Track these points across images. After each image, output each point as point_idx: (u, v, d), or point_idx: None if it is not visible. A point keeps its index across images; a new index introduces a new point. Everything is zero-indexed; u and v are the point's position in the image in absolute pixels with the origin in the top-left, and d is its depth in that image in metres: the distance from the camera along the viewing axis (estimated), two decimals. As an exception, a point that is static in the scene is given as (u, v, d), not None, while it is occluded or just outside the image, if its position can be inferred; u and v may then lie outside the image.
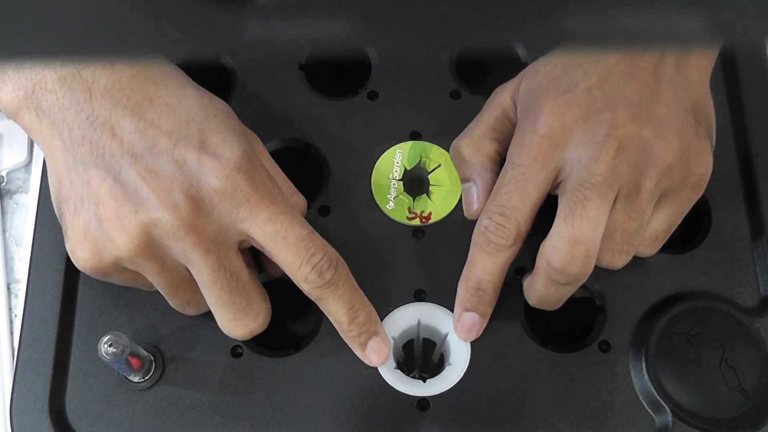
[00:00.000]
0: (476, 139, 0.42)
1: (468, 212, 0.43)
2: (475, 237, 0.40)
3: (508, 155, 0.39)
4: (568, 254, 0.36)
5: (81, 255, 0.37)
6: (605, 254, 0.38)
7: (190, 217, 0.35)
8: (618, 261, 0.38)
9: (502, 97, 0.42)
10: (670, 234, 0.40)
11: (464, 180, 0.43)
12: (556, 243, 0.36)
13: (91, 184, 0.36)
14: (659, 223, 0.39)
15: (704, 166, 0.39)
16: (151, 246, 0.36)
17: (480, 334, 0.40)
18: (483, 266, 0.39)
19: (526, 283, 0.41)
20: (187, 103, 0.38)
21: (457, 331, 0.40)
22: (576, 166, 0.37)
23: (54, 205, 0.39)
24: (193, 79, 0.40)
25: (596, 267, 0.38)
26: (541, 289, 0.39)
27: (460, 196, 0.44)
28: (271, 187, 0.37)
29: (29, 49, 0.16)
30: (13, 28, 0.16)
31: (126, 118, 0.36)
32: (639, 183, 0.37)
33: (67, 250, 0.38)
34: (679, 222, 0.40)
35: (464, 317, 0.40)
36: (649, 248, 0.40)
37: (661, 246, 0.41)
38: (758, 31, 0.15)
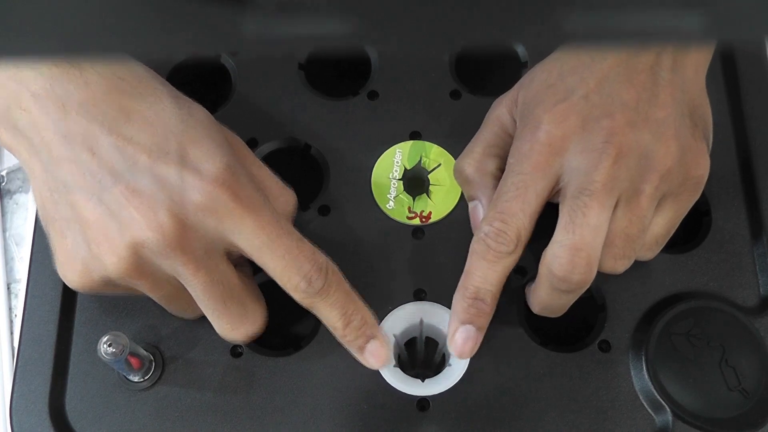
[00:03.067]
0: (477, 158, 0.42)
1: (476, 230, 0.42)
2: (474, 245, 0.39)
3: (507, 163, 0.39)
4: (570, 262, 0.36)
5: (71, 277, 0.37)
6: (608, 260, 0.38)
7: (176, 236, 0.35)
8: (620, 266, 0.38)
9: (499, 112, 0.42)
10: (670, 237, 0.40)
11: (470, 199, 0.43)
12: (558, 251, 0.36)
13: (76, 206, 0.36)
14: (659, 227, 0.39)
15: (702, 168, 0.39)
16: (140, 265, 0.36)
17: (476, 350, 0.39)
18: (482, 274, 0.39)
19: (529, 290, 0.40)
20: (165, 115, 0.37)
21: (451, 347, 0.39)
22: (575, 173, 0.37)
23: (42, 224, 0.39)
24: (193, 80, 0.40)
25: (598, 271, 0.38)
26: (545, 297, 0.38)
27: (460, 196, 0.44)
28: (255, 198, 0.37)
29: (24, 46, 0.16)
30: (8, 25, 0.16)
31: (103, 135, 0.36)
32: (639, 188, 0.37)
33: (58, 271, 0.38)
34: (678, 224, 0.40)
35: (459, 332, 0.38)
36: (649, 252, 0.40)
37: (660, 249, 0.41)
38: (759, 30, 0.15)
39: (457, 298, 0.39)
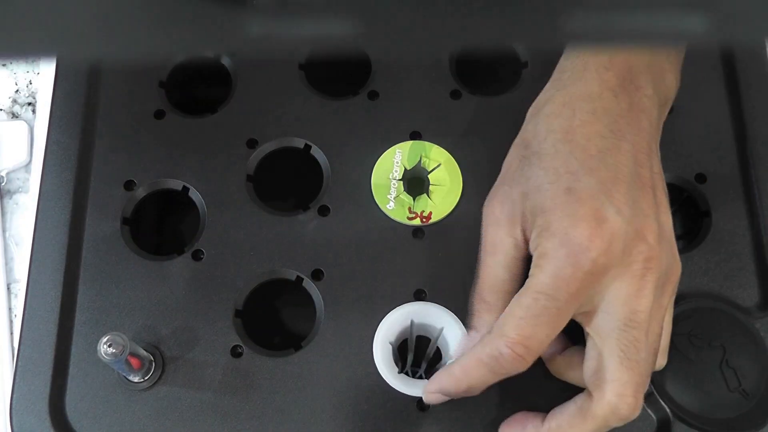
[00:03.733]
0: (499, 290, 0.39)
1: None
2: (482, 354, 0.36)
3: (536, 278, 0.36)
4: (636, 401, 0.35)
5: None
6: None
7: None
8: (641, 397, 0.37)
9: (501, 237, 0.39)
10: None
11: (472, 325, 0.40)
12: (624, 392, 0.34)
13: None
14: (667, 331, 0.38)
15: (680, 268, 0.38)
16: None
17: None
18: (482, 380, 0.37)
19: (553, 427, 0.37)
20: None
21: (424, 396, 0.38)
22: (615, 300, 0.35)
23: None
24: (193, 79, 0.40)
25: None
26: None
27: (461, 196, 0.44)
28: None
29: (24, 45, 0.16)
30: (10, 22, 0.16)
31: None
32: (663, 304, 0.36)
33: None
34: None
35: (439, 397, 0.38)
36: (662, 360, 0.39)
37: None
38: (760, 31, 0.15)
39: (447, 380, 0.38)
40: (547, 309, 0.35)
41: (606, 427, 0.36)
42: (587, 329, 0.36)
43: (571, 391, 0.38)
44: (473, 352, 0.36)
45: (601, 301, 0.35)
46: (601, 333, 0.35)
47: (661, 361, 0.39)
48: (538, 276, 0.36)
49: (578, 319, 0.36)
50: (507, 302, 0.37)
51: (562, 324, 0.35)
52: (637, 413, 0.35)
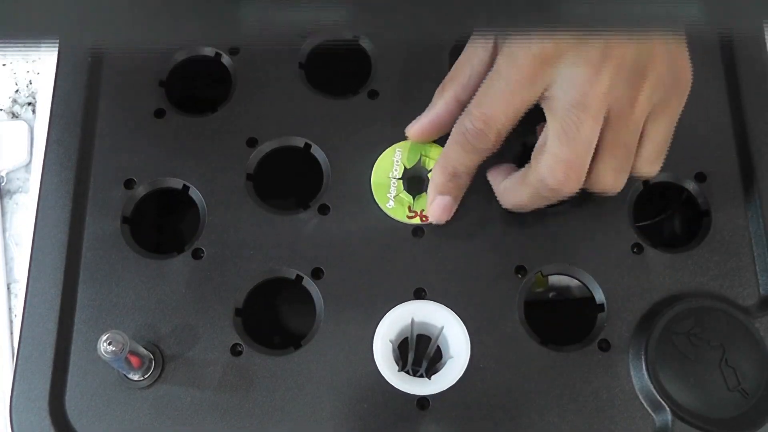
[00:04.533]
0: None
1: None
2: (454, 132, 0.41)
3: (497, 64, 0.39)
4: (565, 176, 0.37)
5: None
6: (608, 174, 0.39)
7: None
8: (621, 180, 0.40)
9: (473, 46, 0.43)
10: (667, 148, 0.41)
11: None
12: (554, 164, 0.38)
13: None
14: (658, 137, 0.40)
15: (688, 70, 0.40)
16: None
17: (450, 217, 0.42)
18: (459, 159, 0.41)
19: (503, 187, 0.42)
20: None
21: (430, 213, 0.42)
22: (569, 84, 0.37)
23: None
24: (193, 77, 0.40)
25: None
26: (525, 199, 0.41)
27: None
28: None
29: (25, 30, 0.16)
30: (11, 8, 0.16)
31: None
32: (633, 97, 0.38)
33: None
34: (672, 133, 0.41)
35: (438, 199, 0.42)
36: (653, 166, 0.41)
37: (661, 163, 0.41)
38: (756, 17, 0.15)
39: (436, 173, 0.42)
40: (502, 88, 0.39)
41: (539, 194, 0.39)
42: (545, 111, 0.39)
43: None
44: (450, 136, 0.42)
45: (559, 86, 0.38)
46: (552, 112, 0.38)
47: (651, 168, 0.41)
48: (498, 61, 0.40)
49: (541, 104, 0.39)
50: (457, 90, 0.42)
51: (519, 104, 0.38)
52: (567, 188, 0.38)
